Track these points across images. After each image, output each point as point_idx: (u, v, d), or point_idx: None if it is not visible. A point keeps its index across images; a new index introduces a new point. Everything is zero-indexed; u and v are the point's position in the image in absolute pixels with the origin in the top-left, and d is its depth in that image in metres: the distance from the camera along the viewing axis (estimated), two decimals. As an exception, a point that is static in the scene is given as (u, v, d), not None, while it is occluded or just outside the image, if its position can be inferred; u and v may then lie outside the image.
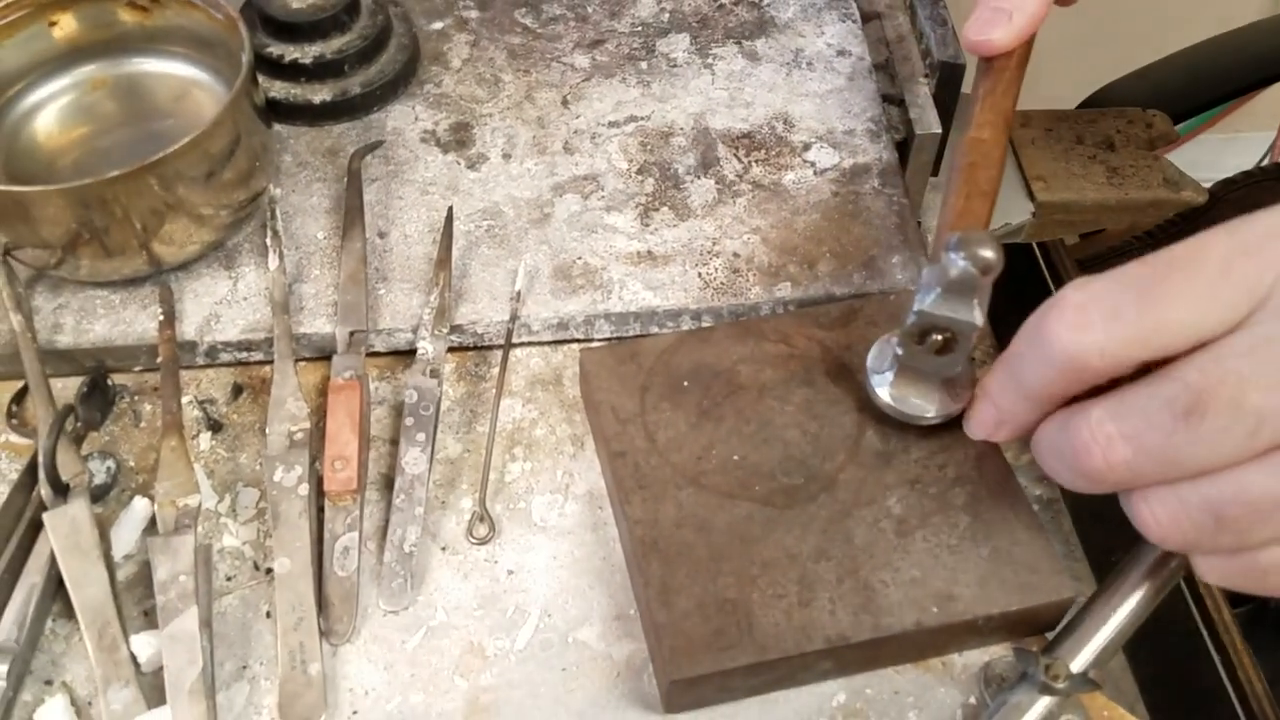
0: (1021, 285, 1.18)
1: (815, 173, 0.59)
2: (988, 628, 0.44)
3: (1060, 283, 1.16)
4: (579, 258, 0.56)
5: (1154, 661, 0.53)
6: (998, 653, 0.45)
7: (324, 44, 0.60)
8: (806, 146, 0.60)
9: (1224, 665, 0.57)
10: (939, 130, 0.63)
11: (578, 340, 0.55)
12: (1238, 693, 0.54)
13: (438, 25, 0.66)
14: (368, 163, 0.59)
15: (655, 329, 0.54)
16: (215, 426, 0.52)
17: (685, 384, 0.50)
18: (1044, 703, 0.41)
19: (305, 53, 0.60)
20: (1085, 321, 0.37)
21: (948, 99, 0.66)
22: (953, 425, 0.48)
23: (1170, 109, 1.19)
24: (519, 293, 0.54)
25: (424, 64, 0.64)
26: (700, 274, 0.55)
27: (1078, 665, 0.41)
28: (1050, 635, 0.44)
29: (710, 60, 0.64)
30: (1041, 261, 1.19)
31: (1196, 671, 0.56)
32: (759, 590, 0.44)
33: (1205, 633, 0.64)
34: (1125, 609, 0.43)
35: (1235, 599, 0.92)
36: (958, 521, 0.45)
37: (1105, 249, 1.03)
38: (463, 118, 0.62)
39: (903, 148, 0.62)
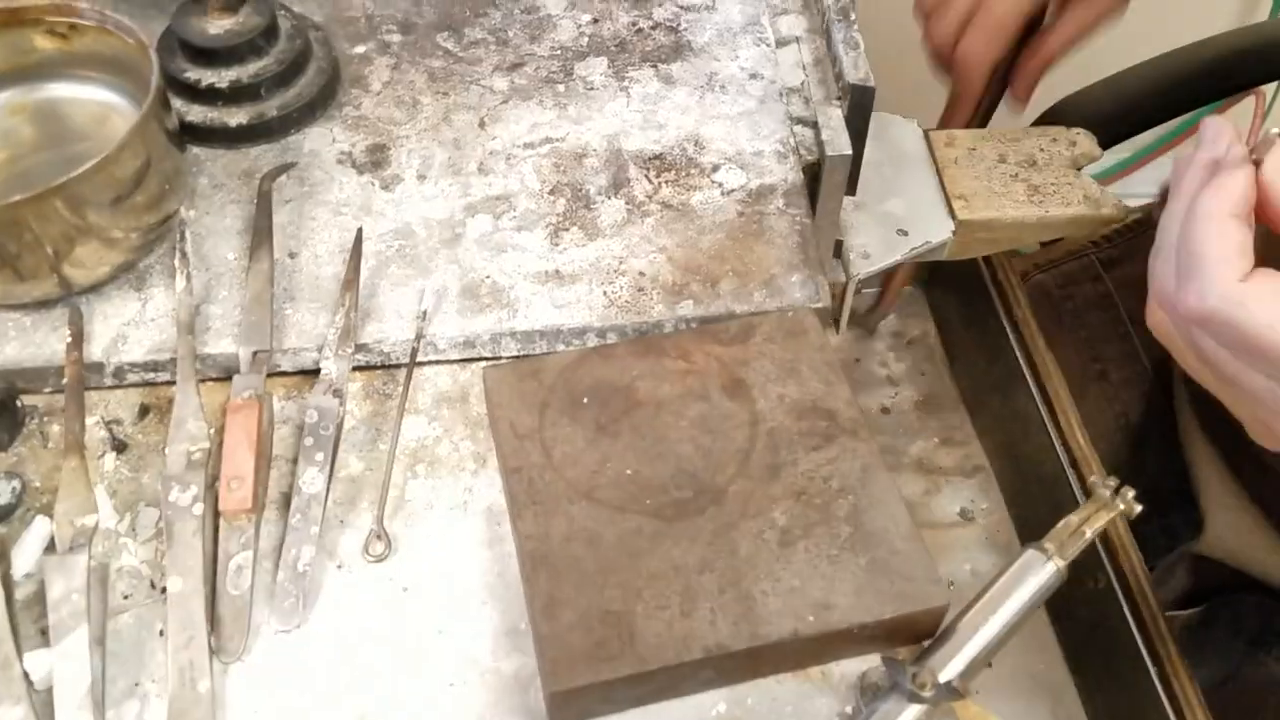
0: (970, 298, 1.19)
1: (722, 193, 0.60)
2: (864, 636, 0.44)
3: (1005, 297, 1.17)
4: (487, 277, 0.57)
5: (1094, 670, 0.54)
6: (875, 662, 0.45)
7: (240, 69, 0.61)
8: (715, 168, 0.61)
9: (1159, 677, 0.58)
10: (849, 152, 0.64)
11: (485, 358, 0.55)
12: (1172, 704, 0.55)
13: (360, 49, 0.67)
14: (284, 184, 0.60)
15: (561, 346, 0.55)
16: (120, 446, 0.52)
17: (584, 400, 0.51)
18: (913, 711, 0.41)
19: (221, 77, 0.61)
20: None
21: (859, 121, 0.67)
22: (841, 437, 0.49)
23: (1128, 121, 1.22)
24: (425, 312, 0.55)
25: (344, 87, 0.65)
26: (606, 292, 0.56)
27: (946, 674, 0.42)
28: (927, 643, 0.45)
29: (626, 83, 0.65)
30: (988, 276, 1.20)
31: (1134, 681, 0.57)
32: (643, 602, 0.44)
33: (1141, 642, 0.66)
34: (996, 621, 0.44)
35: (1177, 605, 0.93)
36: (839, 532, 0.46)
37: (1063, 254, 1.04)
38: (380, 139, 0.63)
39: (817, 169, 0.63)
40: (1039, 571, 0.46)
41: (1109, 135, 1.44)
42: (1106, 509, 0.49)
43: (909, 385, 1.18)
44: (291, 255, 0.57)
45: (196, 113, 0.61)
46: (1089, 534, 0.48)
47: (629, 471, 0.48)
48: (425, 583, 0.48)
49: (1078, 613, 0.56)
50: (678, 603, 0.44)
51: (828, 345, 0.54)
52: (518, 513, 0.47)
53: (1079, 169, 0.81)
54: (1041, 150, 0.81)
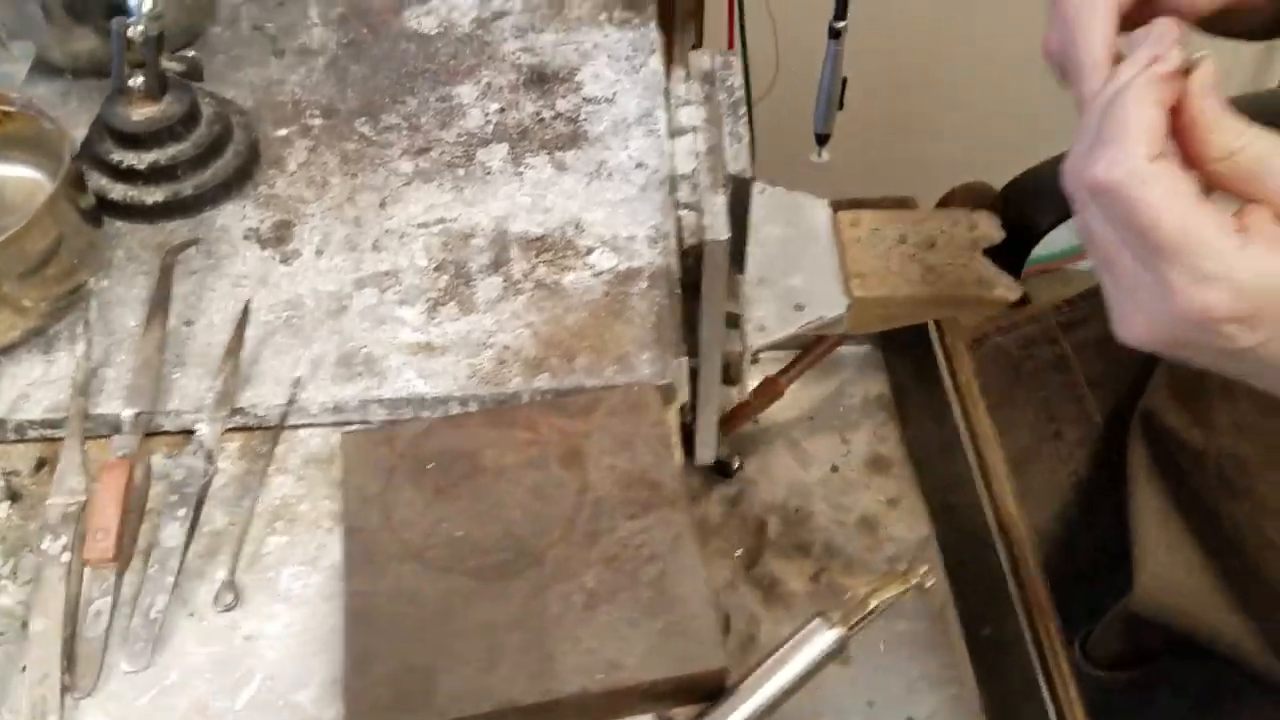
0: (921, 361, 1.22)
1: (593, 274, 0.64)
2: (653, 693, 0.48)
3: (951, 361, 1.20)
4: (364, 347, 0.61)
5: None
6: (662, 721, 0.48)
7: (159, 151, 0.67)
8: (590, 250, 0.65)
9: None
10: (726, 237, 0.68)
11: (354, 423, 0.60)
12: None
13: (282, 132, 0.73)
14: (192, 256, 0.65)
15: (425, 414, 0.59)
16: (14, 496, 0.57)
17: (430, 465, 0.55)
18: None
19: (141, 159, 0.66)
20: None
21: (739, 208, 0.71)
22: (661, 508, 0.52)
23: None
24: (299, 379, 0.59)
25: (262, 168, 0.70)
26: (470, 364, 0.60)
27: (712, 733, 0.45)
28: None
29: (522, 169, 0.70)
30: (936, 340, 1.23)
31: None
32: (449, 657, 0.48)
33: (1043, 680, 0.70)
34: (774, 684, 0.47)
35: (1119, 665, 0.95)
36: (641, 596, 0.49)
37: (1024, 317, 1.07)
38: (287, 216, 0.68)
39: (700, 250, 0.68)
40: (820, 639, 0.49)
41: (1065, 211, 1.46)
42: (898, 582, 0.51)
43: (861, 444, 1.21)
44: (188, 323, 0.62)
45: (118, 191, 0.67)
46: (874, 604, 0.50)
47: (459, 534, 0.52)
48: (266, 632, 0.52)
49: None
50: (482, 658, 0.48)
51: (664, 421, 0.57)
52: (351, 570, 0.51)
53: (980, 250, 0.84)
54: (942, 232, 0.85)
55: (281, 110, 0.74)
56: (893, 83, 1.98)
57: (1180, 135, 0.46)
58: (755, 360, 0.84)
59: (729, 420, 1.27)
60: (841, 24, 1.75)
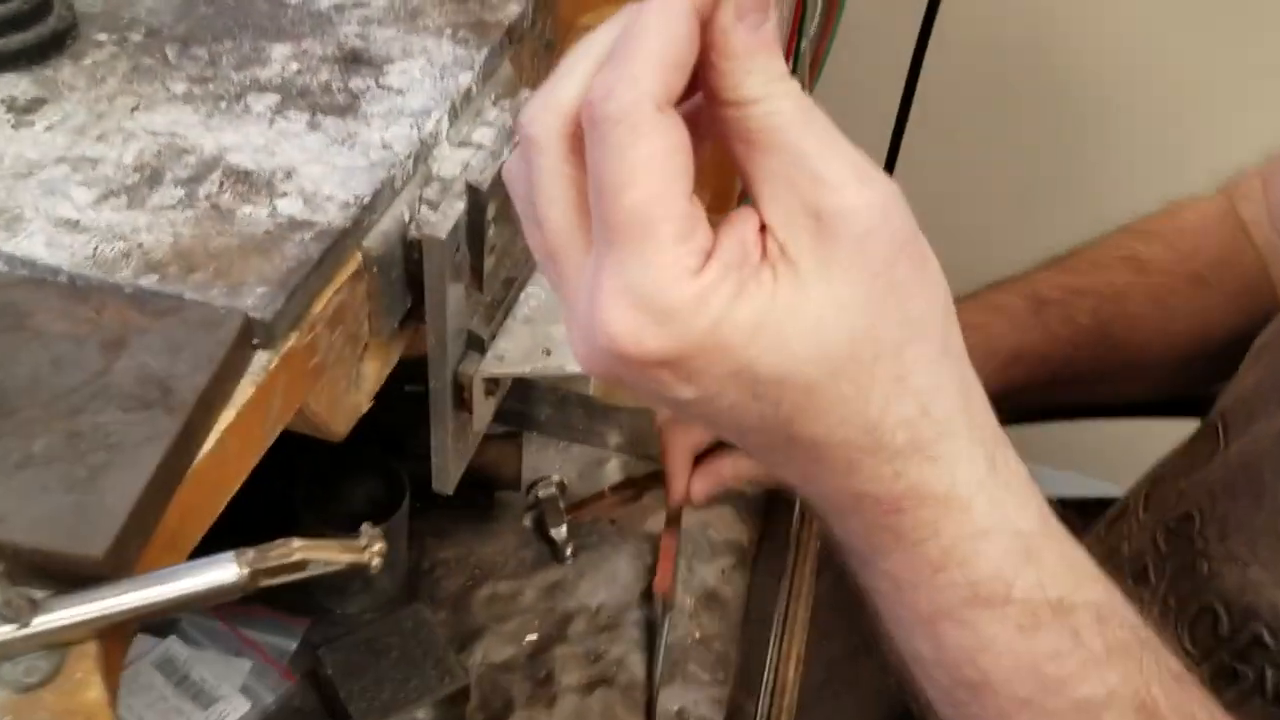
0: (774, 543, 1.19)
1: (269, 214, 0.64)
2: (22, 559, 0.45)
3: (799, 549, 1.17)
4: (19, 207, 0.63)
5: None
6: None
7: (-44, 3, 0.71)
8: (284, 195, 0.66)
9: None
10: (442, 238, 0.68)
11: (-28, 268, 0.61)
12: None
13: (102, 37, 0.77)
14: (-61, 100, 0.69)
15: (26, 274, 0.60)
16: None
17: (-17, 309, 0.55)
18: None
19: (-64, 4, 0.71)
20: None
21: (475, 220, 0.71)
22: (157, 408, 0.51)
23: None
24: (-64, 210, 0.61)
25: (62, 57, 0.74)
26: (98, 248, 0.61)
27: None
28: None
29: (278, 118, 0.72)
30: (795, 525, 1.20)
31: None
32: None
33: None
34: (153, 592, 0.45)
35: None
36: (74, 474, 0.48)
37: None
38: (48, 95, 0.71)
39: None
40: (221, 570, 0.46)
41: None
42: (344, 551, 0.49)
43: (706, 575, 1.16)
44: (-109, 146, 0.65)
45: (-91, 27, 0.71)
46: (300, 559, 0.47)
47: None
48: None
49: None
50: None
51: (230, 345, 0.56)
52: None
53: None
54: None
55: (116, 21, 0.78)
56: (932, 235, 1.97)
57: (703, 55, 0.36)
58: (490, 392, 0.82)
59: (575, 507, 1.24)
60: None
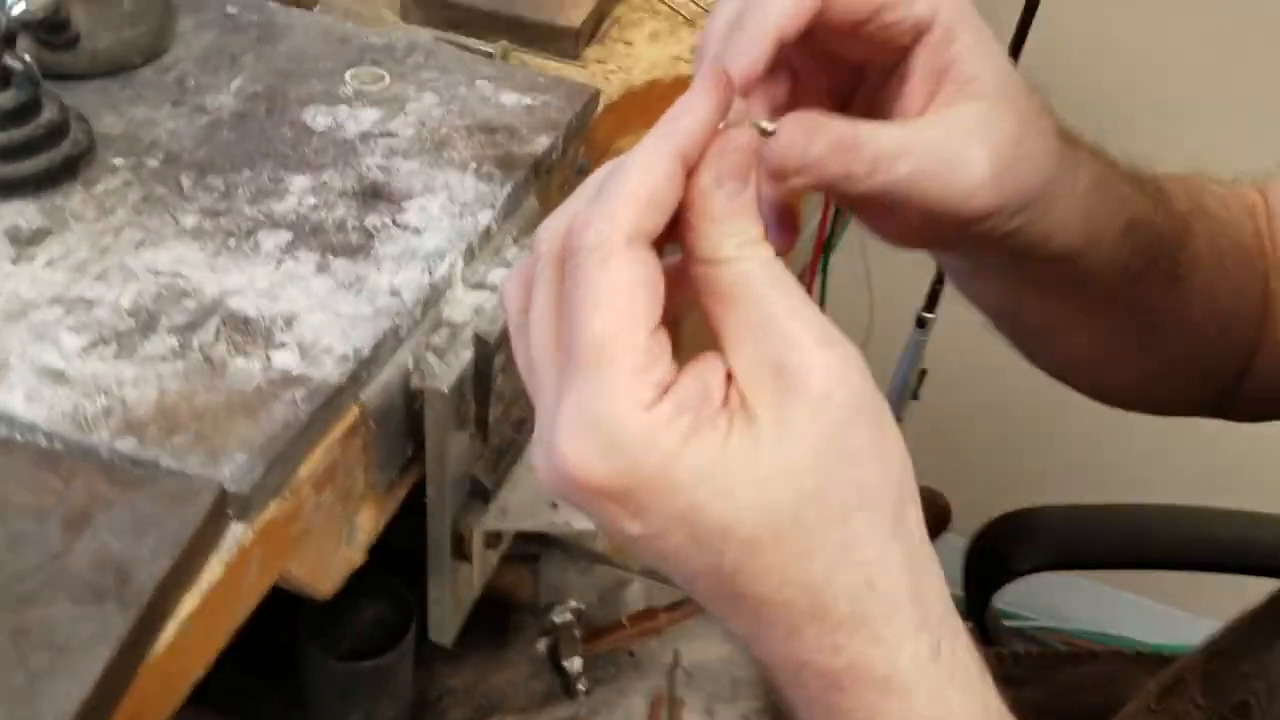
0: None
1: (263, 368, 0.61)
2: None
3: None
4: (4, 354, 0.60)
5: None
6: None
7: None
8: (281, 345, 0.63)
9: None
10: (445, 390, 0.65)
11: (-51, 419, 0.58)
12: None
13: (119, 161, 0.75)
14: (-57, 230, 0.67)
15: (8, 432, 0.57)
16: None
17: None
18: None
19: (-51, 130, 0.70)
20: None
21: (482, 369, 0.68)
22: (109, 602, 0.48)
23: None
24: (-82, 357, 0.59)
25: (75, 183, 0.72)
26: (79, 404, 0.58)
27: None
28: None
29: (286, 259, 0.69)
30: None
31: None
32: None
33: None
34: None
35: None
36: (13, 681, 0.44)
37: None
38: (53, 226, 0.69)
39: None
40: None
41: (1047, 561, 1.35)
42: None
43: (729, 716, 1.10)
44: (-114, 279, 0.64)
45: (-78, 152, 0.70)
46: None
47: (-96, 542, 0.49)
48: None
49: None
50: None
51: (204, 522, 0.53)
52: None
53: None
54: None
55: (135, 145, 0.77)
56: (969, 384, 1.90)
57: (681, 211, 0.39)
58: (492, 545, 0.79)
59: (592, 636, 1.19)
60: (930, 315, 1.71)
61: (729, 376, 0.39)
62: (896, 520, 0.40)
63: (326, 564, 0.65)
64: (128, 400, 0.59)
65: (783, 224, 0.48)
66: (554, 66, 0.96)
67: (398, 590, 1.03)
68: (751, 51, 0.43)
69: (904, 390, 1.78)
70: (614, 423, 0.36)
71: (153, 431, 0.57)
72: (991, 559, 1.30)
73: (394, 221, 0.73)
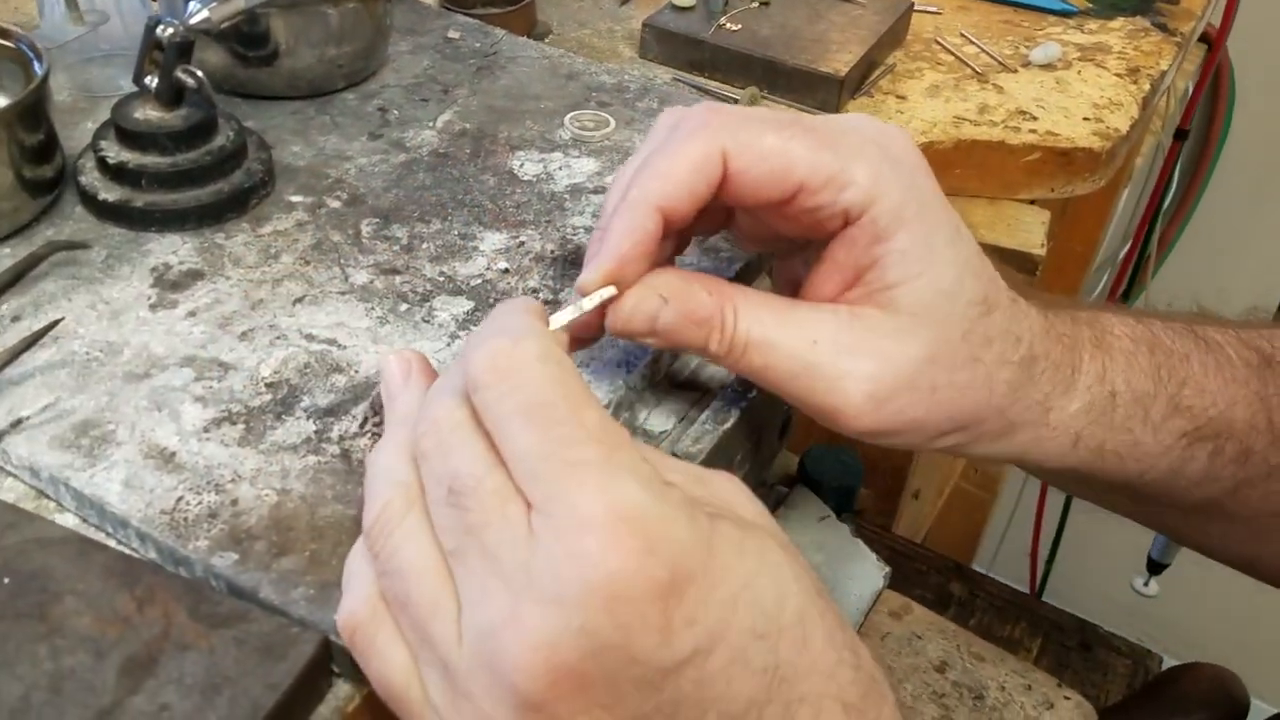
0: None
1: (405, 474, 0.49)
2: None
3: None
4: (113, 424, 0.50)
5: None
6: None
7: (136, 155, 0.61)
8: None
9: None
10: None
11: (42, 494, 0.48)
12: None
13: (297, 198, 0.65)
14: (88, 260, 0.58)
15: (107, 526, 0.47)
16: None
17: (4, 580, 0.42)
18: None
19: (115, 155, 0.61)
20: None
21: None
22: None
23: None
24: (22, 420, 0.49)
25: (240, 219, 0.63)
26: (181, 498, 0.47)
27: None
28: None
29: (462, 333, 0.57)
30: None
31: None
32: None
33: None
34: None
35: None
36: None
37: None
38: (206, 269, 0.59)
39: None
40: None
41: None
42: None
43: None
44: (15, 319, 0.55)
45: (86, 177, 0.62)
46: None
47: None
48: None
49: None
50: None
51: (283, 687, 0.40)
52: None
53: None
54: (999, 686, 0.60)
55: (318, 180, 0.67)
56: None
57: None
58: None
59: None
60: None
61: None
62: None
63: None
64: (240, 501, 0.47)
65: None
66: (807, 122, 0.81)
67: None
68: (630, 223, 0.44)
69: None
70: (656, 505, 0.34)
71: (260, 549, 0.45)
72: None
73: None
